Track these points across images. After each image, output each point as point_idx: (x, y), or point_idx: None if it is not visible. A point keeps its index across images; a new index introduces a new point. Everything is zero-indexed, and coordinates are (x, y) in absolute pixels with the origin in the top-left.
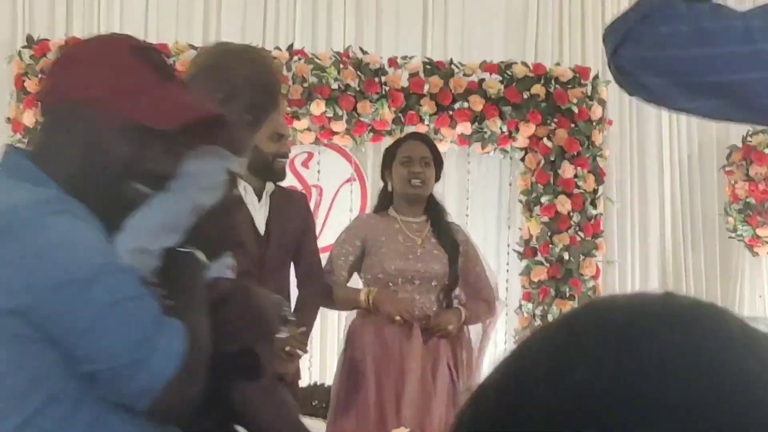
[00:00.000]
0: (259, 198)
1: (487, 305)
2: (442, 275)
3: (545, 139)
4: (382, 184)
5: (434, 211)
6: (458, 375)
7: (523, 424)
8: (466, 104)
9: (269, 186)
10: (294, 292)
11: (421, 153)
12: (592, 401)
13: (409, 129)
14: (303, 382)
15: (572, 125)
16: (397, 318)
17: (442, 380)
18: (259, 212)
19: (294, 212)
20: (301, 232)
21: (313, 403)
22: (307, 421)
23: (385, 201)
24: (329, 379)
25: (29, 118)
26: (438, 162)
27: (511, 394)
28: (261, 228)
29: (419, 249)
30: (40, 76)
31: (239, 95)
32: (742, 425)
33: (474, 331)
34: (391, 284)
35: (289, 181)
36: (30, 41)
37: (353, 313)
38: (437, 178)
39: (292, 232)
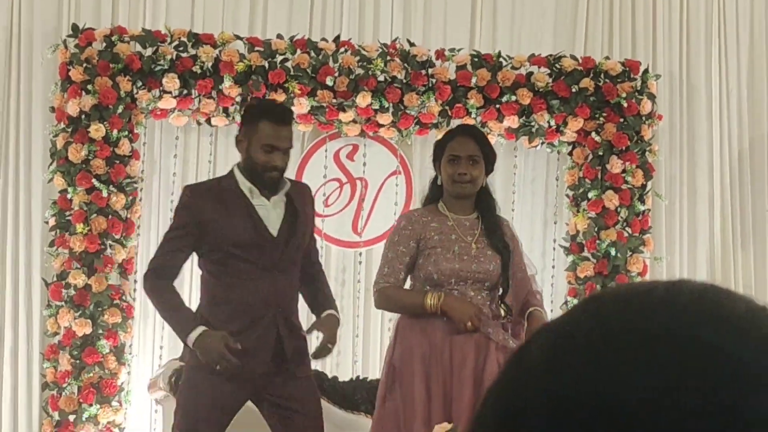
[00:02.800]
0: (268, 198)
1: (540, 297)
2: (495, 276)
3: (593, 134)
4: (427, 177)
5: (485, 208)
6: None
7: (526, 422)
8: (513, 97)
9: (283, 185)
10: None
11: (468, 151)
12: (588, 398)
13: (456, 122)
14: (346, 377)
15: (621, 120)
16: (468, 325)
17: (490, 374)
18: (273, 211)
19: (309, 209)
20: (313, 228)
21: (356, 398)
22: (350, 416)
23: (435, 193)
24: (372, 374)
25: (73, 107)
26: (489, 156)
27: (513, 389)
28: (273, 228)
29: (473, 249)
30: (84, 65)
31: None
32: (736, 406)
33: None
34: (445, 284)
35: (333, 173)
36: (75, 30)
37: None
38: (489, 171)
39: (308, 231)
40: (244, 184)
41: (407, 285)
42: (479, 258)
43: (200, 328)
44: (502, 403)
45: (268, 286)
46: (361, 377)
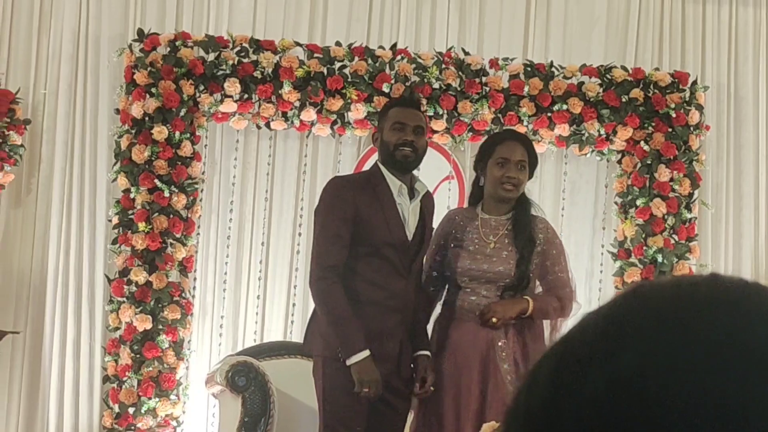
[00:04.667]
0: (412, 198)
1: (560, 304)
2: (506, 276)
3: (642, 143)
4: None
5: (520, 209)
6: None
7: (574, 407)
8: (564, 106)
9: (421, 188)
10: None
11: (518, 156)
12: (641, 386)
13: None
14: None
15: (669, 129)
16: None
17: (502, 375)
18: (412, 215)
19: (431, 223)
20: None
21: None
22: None
23: (477, 194)
24: None
25: (137, 109)
26: (533, 162)
27: (561, 377)
28: (409, 231)
29: (489, 248)
30: (149, 69)
31: None
32: None
33: (549, 325)
34: (460, 282)
35: None
36: (140, 35)
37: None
38: (530, 176)
39: (429, 240)
40: (393, 181)
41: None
42: (492, 258)
43: (366, 352)
44: (548, 388)
45: (399, 290)
46: None
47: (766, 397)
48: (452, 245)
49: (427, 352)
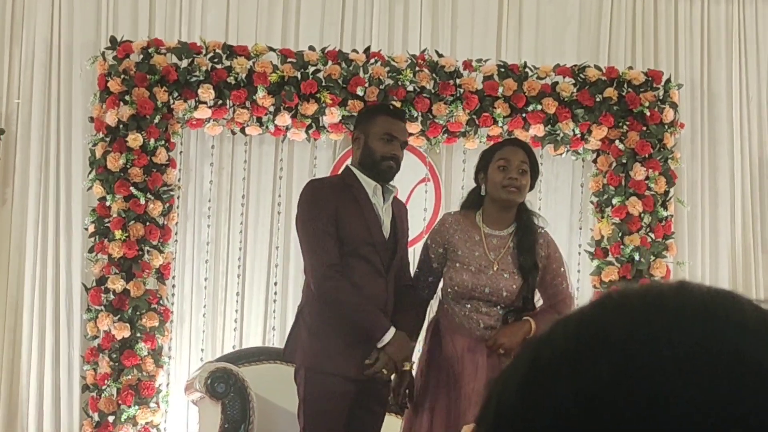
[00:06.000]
0: (384, 200)
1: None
2: (509, 298)
3: (617, 142)
4: (454, 185)
5: (523, 224)
6: None
7: (542, 419)
8: (539, 107)
9: (393, 190)
10: None
11: (519, 159)
12: (609, 400)
13: (483, 131)
14: None
15: (644, 128)
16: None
17: None
18: (385, 215)
19: (406, 222)
20: (407, 243)
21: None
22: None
23: (474, 201)
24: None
25: (111, 117)
26: (534, 170)
27: (530, 388)
28: (386, 231)
29: (492, 269)
30: (122, 76)
31: None
32: (763, 415)
33: None
34: (460, 299)
35: None
36: (113, 42)
37: (434, 309)
38: (532, 187)
39: (406, 242)
40: (368, 183)
41: (439, 290)
42: (495, 278)
43: (393, 329)
44: (516, 397)
45: (380, 291)
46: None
47: (737, 405)
48: (451, 260)
49: (408, 366)
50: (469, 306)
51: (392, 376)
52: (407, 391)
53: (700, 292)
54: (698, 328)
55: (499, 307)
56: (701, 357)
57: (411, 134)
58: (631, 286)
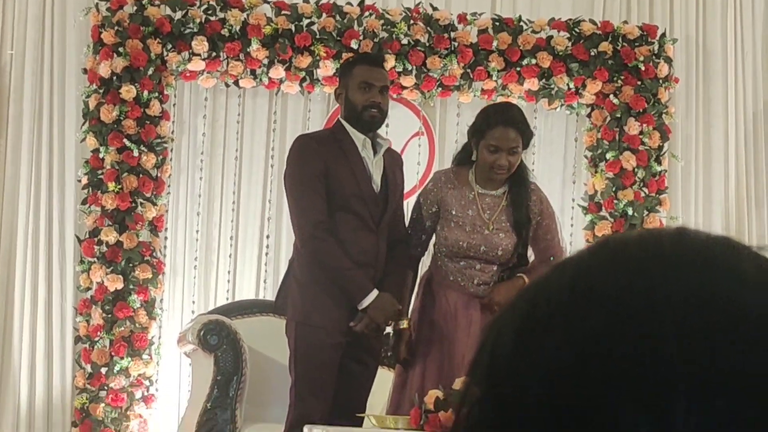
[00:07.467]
0: (375, 153)
1: None
2: (504, 257)
3: (611, 96)
4: (448, 138)
5: (516, 182)
6: None
7: (537, 367)
8: (533, 61)
9: (384, 143)
10: None
11: (510, 144)
12: (606, 348)
13: (477, 85)
14: None
15: (638, 82)
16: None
17: None
18: (376, 169)
19: (399, 174)
20: (402, 196)
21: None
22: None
23: (468, 157)
24: None
25: (105, 69)
26: (527, 139)
27: (525, 335)
28: (376, 184)
29: (487, 229)
30: (116, 28)
31: None
32: (758, 366)
33: None
34: (454, 258)
35: None
36: None
37: (427, 263)
38: (525, 147)
39: (400, 195)
40: (357, 136)
41: (430, 249)
42: (491, 237)
43: (376, 291)
44: (511, 347)
45: (370, 245)
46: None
47: (734, 355)
48: (445, 219)
49: (405, 324)
50: (463, 263)
51: (390, 334)
52: (406, 347)
53: (699, 240)
54: (695, 277)
55: (493, 264)
56: (696, 307)
57: (404, 87)
58: (629, 232)
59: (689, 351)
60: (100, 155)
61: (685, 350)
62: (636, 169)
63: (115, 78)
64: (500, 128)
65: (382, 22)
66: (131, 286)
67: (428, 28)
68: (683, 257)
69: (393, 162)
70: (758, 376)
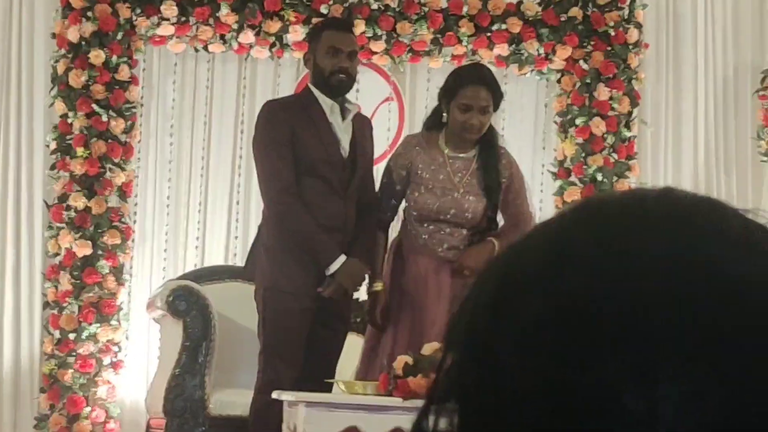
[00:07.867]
0: (343, 118)
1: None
2: (474, 220)
3: (581, 62)
4: (418, 104)
5: (486, 145)
6: None
7: (514, 329)
8: (504, 26)
9: (352, 107)
10: None
11: (481, 102)
12: (585, 309)
13: (448, 50)
14: None
15: (608, 48)
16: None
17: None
18: (344, 134)
19: (369, 139)
20: (371, 161)
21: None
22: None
23: (438, 121)
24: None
25: (74, 33)
26: (498, 100)
27: (502, 297)
28: (344, 150)
29: (457, 192)
30: None
31: None
32: (741, 328)
33: None
34: (424, 221)
35: None
36: None
37: (398, 228)
38: (496, 108)
39: (369, 160)
40: (325, 101)
41: (401, 211)
42: (461, 200)
43: (344, 256)
44: (487, 316)
45: (338, 210)
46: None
47: (717, 315)
48: (415, 183)
49: (380, 286)
50: (432, 227)
51: (366, 298)
52: (381, 312)
53: (684, 200)
54: (678, 236)
55: (463, 228)
56: (679, 267)
57: (374, 52)
58: (613, 192)
59: (671, 310)
60: (69, 120)
61: (667, 309)
62: (606, 135)
63: (83, 43)
64: (472, 87)
65: None
66: (100, 252)
67: None
68: (667, 217)
69: (362, 127)
70: (741, 336)
